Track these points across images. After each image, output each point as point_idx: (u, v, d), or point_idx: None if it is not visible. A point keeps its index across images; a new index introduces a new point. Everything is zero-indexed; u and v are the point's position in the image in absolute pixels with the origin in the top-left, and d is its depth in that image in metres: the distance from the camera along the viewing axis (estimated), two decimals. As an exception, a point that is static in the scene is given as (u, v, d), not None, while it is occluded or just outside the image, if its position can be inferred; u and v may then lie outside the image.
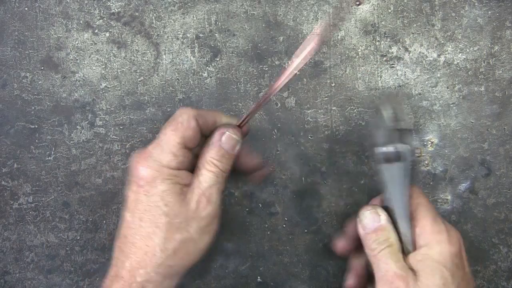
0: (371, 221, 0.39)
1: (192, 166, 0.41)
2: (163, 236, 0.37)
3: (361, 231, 0.40)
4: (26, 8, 0.51)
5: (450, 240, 0.37)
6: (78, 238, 0.51)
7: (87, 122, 0.51)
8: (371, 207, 0.40)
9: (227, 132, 0.40)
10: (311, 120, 0.50)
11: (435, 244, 0.37)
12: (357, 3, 0.49)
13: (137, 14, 0.51)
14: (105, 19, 0.51)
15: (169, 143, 0.39)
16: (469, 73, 0.49)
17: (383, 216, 0.39)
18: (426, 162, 0.49)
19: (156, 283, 0.37)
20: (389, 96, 0.36)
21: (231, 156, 0.40)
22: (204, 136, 0.42)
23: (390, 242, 0.38)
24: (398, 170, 0.38)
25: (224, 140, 0.40)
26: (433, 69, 0.49)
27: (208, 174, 0.39)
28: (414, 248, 0.38)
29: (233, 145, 0.40)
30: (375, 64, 0.49)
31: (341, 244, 0.45)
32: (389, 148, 0.38)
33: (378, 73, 0.49)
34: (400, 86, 0.49)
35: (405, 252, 0.38)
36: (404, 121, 0.36)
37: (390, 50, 0.49)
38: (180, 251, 0.38)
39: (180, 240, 0.38)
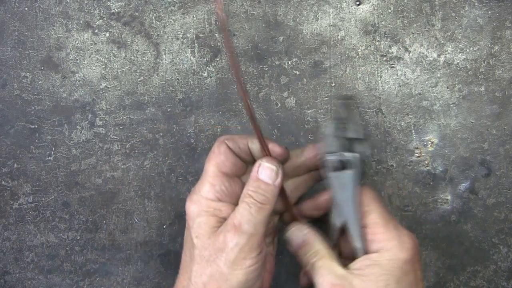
0: (296, 237, 0.39)
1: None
2: (194, 269, 0.37)
3: (291, 250, 0.40)
4: (26, 8, 0.51)
5: (402, 247, 0.36)
6: (78, 238, 0.51)
7: (87, 122, 0.51)
8: (295, 225, 0.40)
9: (262, 163, 0.39)
10: (311, 120, 0.50)
11: (386, 250, 0.36)
12: (357, 3, 0.49)
13: (137, 14, 0.51)
14: (105, 19, 0.51)
15: (206, 173, 0.39)
16: (469, 73, 0.49)
17: (307, 231, 0.39)
18: (426, 162, 0.49)
19: None
20: (341, 102, 0.36)
21: (269, 187, 0.38)
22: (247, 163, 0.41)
23: (320, 254, 0.37)
24: (345, 178, 0.38)
25: (261, 170, 0.38)
26: (433, 69, 0.49)
27: (242, 205, 0.37)
28: (365, 253, 0.37)
29: (270, 175, 0.38)
30: (375, 64, 0.49)
31: (303, 280, 0.44)
32: (335, 157, 0.38)
33: (378, 73, 0.49)
34: (400, 86, 0.49)
35: (353, 257, 0.38)
36: (353, 130, 0.36)
37: (390, 50, 0.49)
38: (209, 285, 0.36)
39: (210, 274, 0.36)
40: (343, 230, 0.39)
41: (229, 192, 0.39)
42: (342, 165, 0.38)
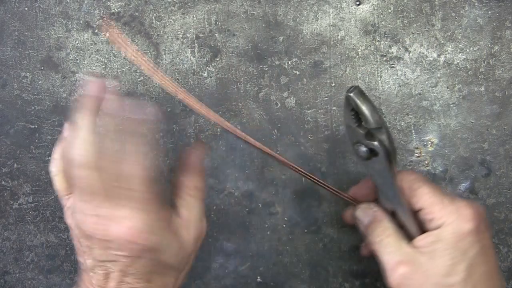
0: (365, 216, 0.41)
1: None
2: (173, 281, 0.38)
3: (360, 228, 0.41)
4: (26, 8, 0.51)
5: (462, 219, 0.36)
6: (78, 238, 0.51)
7: (87, 122, 0.51)
8: (364, 204, 0.42)
9: (196, 152, 0.42)
10: (311, 120, 0.50)
11: (447, 225, 0.36)
12: (357, 3, 0.49)
13: (137, 14, 0.51)
14: (105, 19, 0.51)
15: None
16: (469, 73, 0.49)
17: (376, 209, 0.40)
18: (426, 162, 0.49)
19: None
20: (349, 97, 0.35)
21: (203, 172, 0.41)
22: None
23: (388, 232, 0.38)
24: (376, 166, 0.38)
25: (195, 160, 0.41)
26: (433, 69, 0.49)
27: (196, 202, 0.40)
28: (420, 233, 0.38)
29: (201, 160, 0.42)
30: (375, 64, 0.49)
31: (364, 251, 0.46)
32: (360, 147, 0.38)
33: (378, 73, 0.49)
34: (400, 86, 0.49)
35: (411, 238, 0.38)
36: (369, 121, 0.36)
37: (390, 50, 0.49)
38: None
39: (186, 273, 0.40)
40: (394, 214, 0.40)
41: None
42: (370, 154, 0.37)
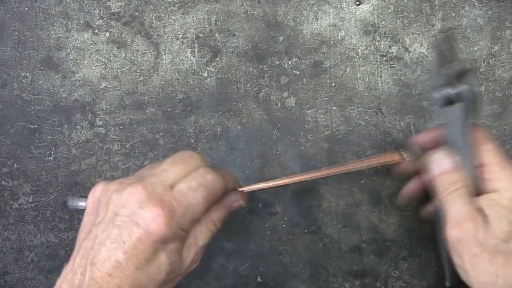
0: (439, 163, 0.39)
1: None
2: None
3: (430, 174, 0.40)
4: (26, 8, 0.51)
5: None
6: (78, 238, 0.51)
7: (87, 122, 0.51)
8: (440, 150, 0.40)
9: (241, 201, 0.41)
10: (311, 120, 0.50)
11: (504, 190, 0.36)
12: (357, 3, 0.49)
13: (137, 14, 0.51)
14: (105, 19, 0.51)
15: (195, 211, 0.37)
16: (469, 73, 0.49)
17: (452, 159, 0.39)
18: (426, 162, 0.49)
19: None
20: (441, 37, 0.35)
21: (226, 217, 0.41)
22: None
23: (460, 185, 0.38)
24: (458, 112, 0.37)
25: (235, 206, 0.41)
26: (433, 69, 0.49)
27: (208, 234, 0.39)
28: (480, 191, 0.38)
29: (236, 210, 0.42)
30: (375, 64, 0.49)
31: (405, 196, 0.44)
32: (446, 90, 0.37)
33: (378, 73, 0.49)
34: (400, 86, 0.49)
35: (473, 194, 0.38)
36: (457, 63, 0.35)
37: (390, 50, 0.49)
38: None
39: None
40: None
41: None
42: (450, 100, 0.37)
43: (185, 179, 0.37)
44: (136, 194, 0.35)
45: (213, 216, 0.39)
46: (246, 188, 0.43)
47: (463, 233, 0.36)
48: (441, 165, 0.39)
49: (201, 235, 0.38)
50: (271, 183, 0.44)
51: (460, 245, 0.36)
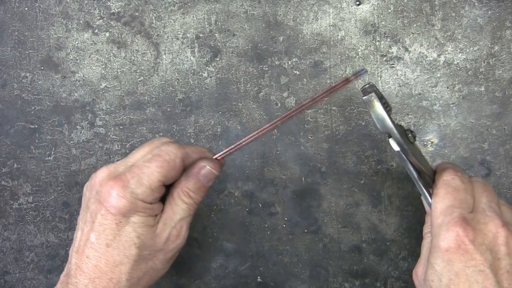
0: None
1: (163, 195, 0.40)
2: (130, 267, 0.37)
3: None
4: (26, 8, 0.51)
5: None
6: (78, 238, 0.51)
7: (87, 122, 0.51)
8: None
9: (208, 167, 0.40)
10: (311, 120, 0.50)
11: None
12: (357, 3, 0.49)
13: (137, 14, 0.51)
14: (105, 19, 0.51)
15: (150, 179, 0.37)
16: (469, 73, 0.49)
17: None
18: (426, 162, 0.49)
19: None
20: (365, 99, 0.37)
21: (206, 189, 0.40)
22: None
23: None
24: (394, 145, 0.39)
25: (203, 173, 0.40)
26: (433, 69, 0.49)
27: (182, 206, 0.39)
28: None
29: (210, 179, 0.40)
30: (375, 64, 0.49)
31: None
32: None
33: (378, 73, 0.49)
34: (400, 86, 0.49)
35: None
36: (378, 129, 0.37)
37: (390, 50, 0.49)
38: (143, 279, 0.38)
39: (145, 270, 0.38)
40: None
41: (161, 194, 0.39)
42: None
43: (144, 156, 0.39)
44: (99, 175, 0.38)
45: (183, 186, 0.39)
46: (217, 155, 0.41)
47: (415, 275, 0.40)
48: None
49: (176, 209, 0.39)
50: (242, 142, 0.41)
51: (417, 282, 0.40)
